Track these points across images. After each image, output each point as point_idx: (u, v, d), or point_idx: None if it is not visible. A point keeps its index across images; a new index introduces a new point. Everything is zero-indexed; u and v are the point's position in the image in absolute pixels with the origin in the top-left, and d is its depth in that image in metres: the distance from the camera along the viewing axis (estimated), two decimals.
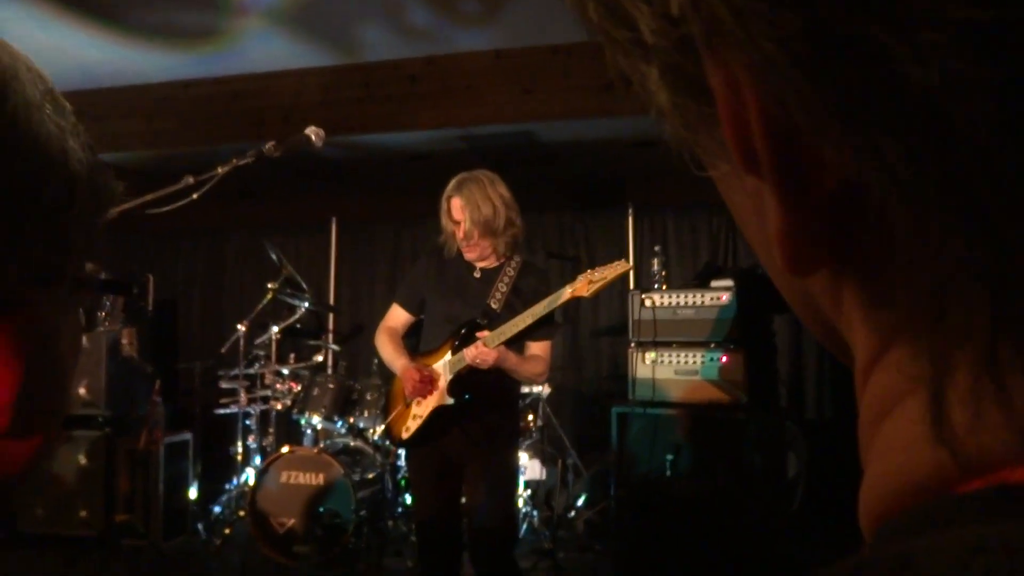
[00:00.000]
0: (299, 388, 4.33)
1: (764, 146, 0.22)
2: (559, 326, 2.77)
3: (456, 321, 2.51)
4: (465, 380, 2.45)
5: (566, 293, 2.34)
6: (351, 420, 4.20)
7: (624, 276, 2.38)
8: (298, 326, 4.81)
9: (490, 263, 2.57)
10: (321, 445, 4.05)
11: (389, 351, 2.63)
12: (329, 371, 5.43)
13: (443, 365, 2.49)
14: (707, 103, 0.24)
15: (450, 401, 2.44)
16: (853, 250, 0.23)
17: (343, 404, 4.19)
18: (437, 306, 2.59)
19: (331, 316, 5.90)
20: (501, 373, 2.47)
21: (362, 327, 5.85)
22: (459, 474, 2.54)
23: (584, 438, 4.92)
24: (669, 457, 3.57)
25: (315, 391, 4.18)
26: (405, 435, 2.53)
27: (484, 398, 2.49)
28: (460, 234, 2.47)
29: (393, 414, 2.62)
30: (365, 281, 6.03)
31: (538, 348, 2.55)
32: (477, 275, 2.56)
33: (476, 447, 2.49)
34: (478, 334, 2.40)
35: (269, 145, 1.91)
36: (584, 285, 2.33)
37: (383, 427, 2.87)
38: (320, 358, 4.62)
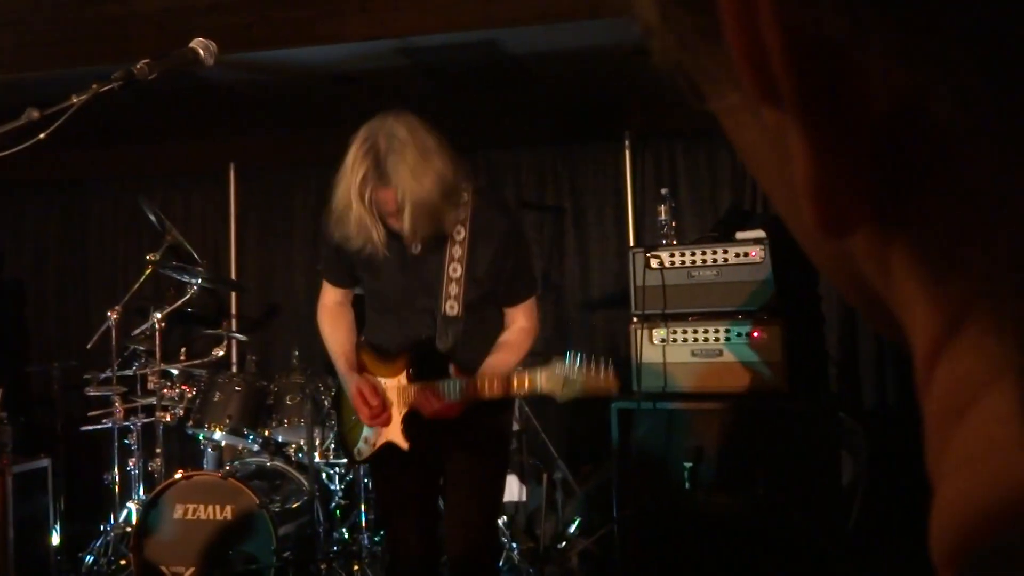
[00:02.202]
0: (194, 393, 4.31)
1: (784, 64, 0.22)
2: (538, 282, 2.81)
3: (401, 305, 2.54)
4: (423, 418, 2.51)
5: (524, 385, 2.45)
6: (266, 433, 4.20)
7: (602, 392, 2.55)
8: (189, 310, 4.76)
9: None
10: (227, 467, 4.05)
11: (333, 342, 2.68)
12: (234, 369, 5.39)
13: (396, 391, 2.53)
14: (704, 11, 0.23)
15: (404, 445, 2.49)
16: (906, 200, 0.23)
17: (255, 412, 4.19)
18: (372, 284, 2.61)
19: (233, 295, 5.86)
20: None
21: (276, 308, 5.81)
22: (439, 484, 2.64)
23: (575, 445, 4.95)
24: (687, 465, 3.62)
25: (216, 396, 4.17)
26: (358, 457, 2.62)
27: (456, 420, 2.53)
28: (400, 228, 2.40)
29: (345, 423, 2.67)
30: (279, 246, 5.98)
31: (521, 314, 2.61)
32: (416, 251, 2.54)
33: (456, 448, 2.57)
34: (450, 374, 2.45)
35: (141, 64, 1.86)
36: (556, 383, 2.42)
37: (335, 437, 2.94)
38: (221, 352, 4.59)
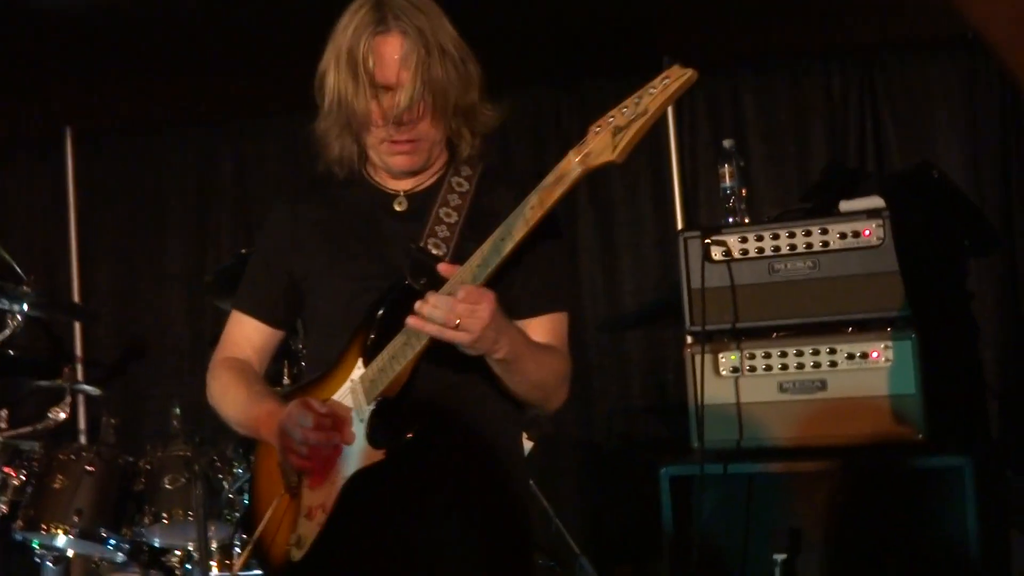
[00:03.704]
0: (24, 478, 4.28)
1: None
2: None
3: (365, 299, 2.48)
4: (403, 405, 2.39)
5: (572, 164, 2.20)
6: (129, 533, 4.19)
7: (682, 91, 2.21)
8: (11, 353, 4.71)
9: (425, 179, 2.58)
10: None
11: (238, 400, 2.61)
12: (83, 439, 5.32)
13: (350, 390, 2.46)
14: None
15: (376, 456, 2.39)
16: None
17: (117, 504, 4.18)
18: (328, 288, 2.58)
19: (78, 327, 5.83)
20: (478, 388, 2.45)
21: (142, 344, 5.76)
22: None
23: (606, 534, 4.95)
24: (779, 558, 3.59)
25: (56, 482, 4.15)
26: (297, 555, 2.47)
27: (450, 443, 2.46)
28: (390, 113, 2.41)
29: (264, 520, 2.59)
30: (144, 249, 5.96)
31: (547, 329, 2.53)
32: (400, 207, 2.56)
33: (451, 564, 2.48)
34: (428, 297, 2.30)
35: None
36: (604, 138, 2.16)
37: (245, 548, 2.81)
38: (63, 414, 4.53)
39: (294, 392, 2.60)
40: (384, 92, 2.41)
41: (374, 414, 2.38)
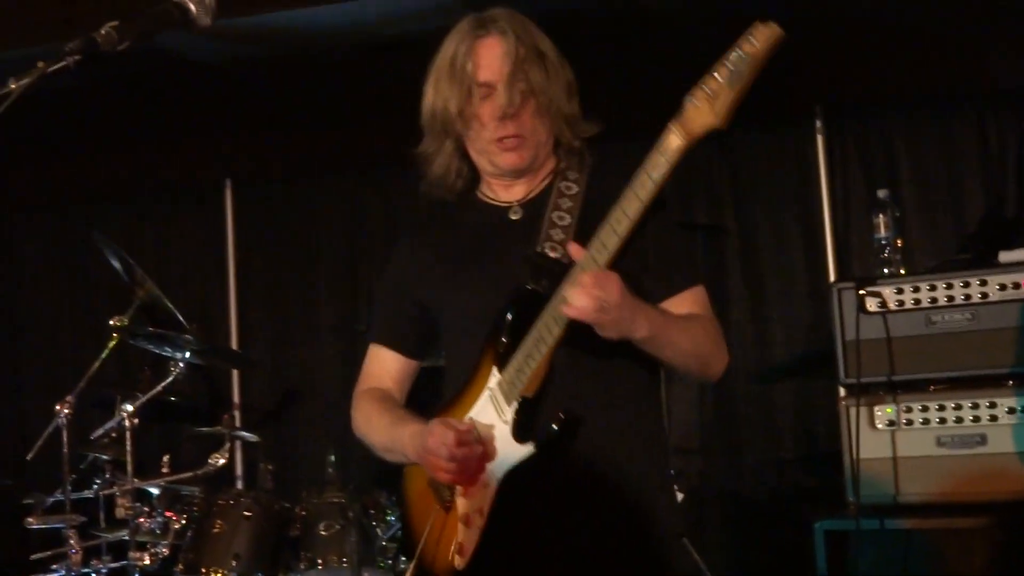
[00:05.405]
0: (184, 523, 4.35)
1: None
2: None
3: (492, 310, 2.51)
4: (545, 400, 2.42)
5: (673, 135, 2.23)
6: None
7: (771, 50, 2.15)
8: (173, 399, 4.78)
9: (536, 183, 2.62)
10: None
11: (381, 426, 2.66)
12: (240, 484, 5.40)
13: (489, 398, 2.48)
14: None
15: (525, 450, 2.41)
16: None
17: (274, 549, 4.22)
18: (456, 303, 2.62)
19: (236, 374, 5.93)
20: (615, 376, 2.49)
21: (298, 392, 5.83)
22: None
23: None
24: None
25: (216, 527, 4.21)
26: (460, 562, 2.51)
27: (595, 432, 2.44)
28: (495, 109, 2.48)
29: (424, 538, 2.62)
30: (300, 298, 6.03)
31: (688, 304, 2.54)
32: (515, 216, 2.60)
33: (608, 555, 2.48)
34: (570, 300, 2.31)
35: (107, 29, 1.85)
36: (702, 103, 2.19)
37: (411, 567, 2.85)
38: (222, 460, 4.60)
39: (435, 412, 2.61)
40: (487, 92, 2.48)
41: (517, 413, 2.41)
